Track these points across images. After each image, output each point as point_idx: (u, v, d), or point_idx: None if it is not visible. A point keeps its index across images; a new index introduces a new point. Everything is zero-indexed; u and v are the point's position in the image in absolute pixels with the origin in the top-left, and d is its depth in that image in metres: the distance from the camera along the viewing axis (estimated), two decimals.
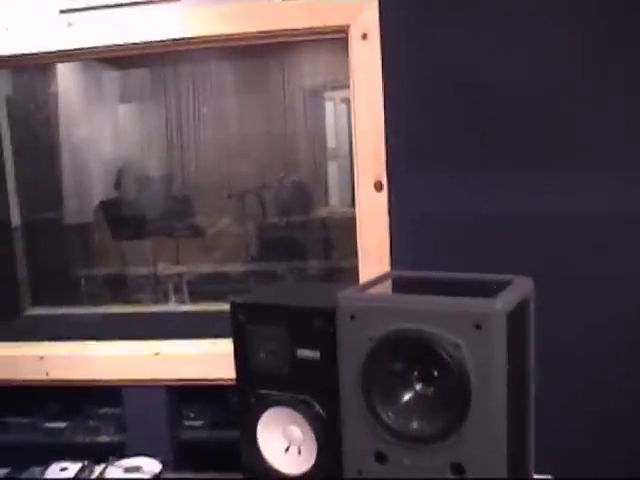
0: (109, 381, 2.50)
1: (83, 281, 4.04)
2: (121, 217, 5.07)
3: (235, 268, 4.61)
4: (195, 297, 4.21)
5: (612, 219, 2.15)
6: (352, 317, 1.44)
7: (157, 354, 2.47)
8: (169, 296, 4.22)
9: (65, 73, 4.62)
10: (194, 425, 2.60)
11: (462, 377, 1.34)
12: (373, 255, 2.27)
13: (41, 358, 2.53)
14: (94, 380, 2.51)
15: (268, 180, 5.37)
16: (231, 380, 1.82)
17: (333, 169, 6.12)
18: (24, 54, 2.41)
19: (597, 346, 2.19)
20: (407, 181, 2.24)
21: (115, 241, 4.95)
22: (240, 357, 1.73)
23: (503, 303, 1.35)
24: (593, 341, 2.18)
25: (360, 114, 2.23)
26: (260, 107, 5.58)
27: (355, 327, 1.44)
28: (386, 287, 1.65)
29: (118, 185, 5.25)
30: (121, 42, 2.35)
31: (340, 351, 1.49)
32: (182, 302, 4.14)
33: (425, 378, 1.44)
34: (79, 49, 2.39)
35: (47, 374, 2.53)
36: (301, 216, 5.28)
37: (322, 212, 5.54)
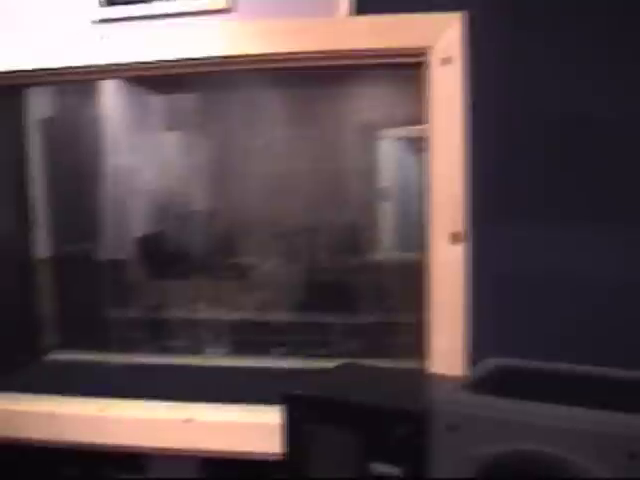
0: (130, 447, 2.19)
1: (113, 323, 3.74)
2: (159, 254, 4.76)
3: (280, 317, 4.28)
4: (236, 346, 3.89)
5: None
6: (451, 428, 1.07)
7: (189, 420, 2.14)
8: (207, 345, 3.90)
9: (107, 96, 4.36)
10: None
11: None
12: (445, 318, 1.92)
13: (54, 416, 2.23)
14: (113, 445, 2.20)
15: (317, 220, 5.06)
16: (274, 455, 1.54)
17: (386, 210, 5.81)
18: (49, 69, 2.13)
19: None
20: (490, 233, 1.90)
21: (151, 280, 4.65)
22: (293, 466, 1.35)
23: None
24: None
25: (438, 153, 1.91)
26: (311, 141, 5.29)
27: (455, 442, 1.07)
28: (492, 385, 1.27)
29: (158, 220, 4.96)
30: (160, 58, 2.05)
31: (431, 472, 1.10)
32: (221, 352, 3.82)
33: None
34: (112, 65, 2.10)
35: (60, 435, 2.21)
36: (352, 260, 4.94)
37: (375, 256, 5.21)
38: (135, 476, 2.34)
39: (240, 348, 3.80)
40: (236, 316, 4.19)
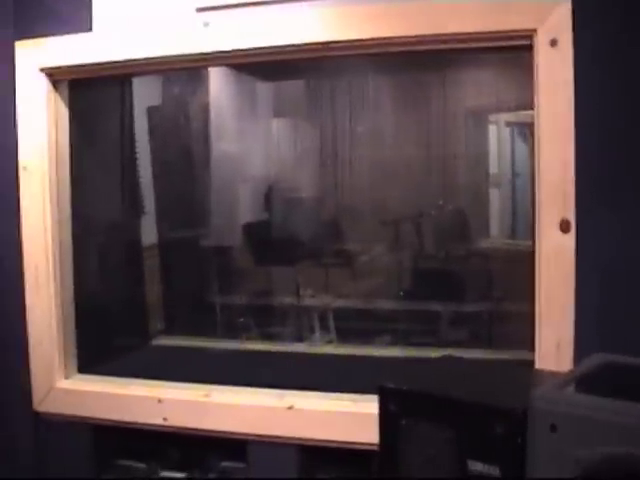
0: (233, 433, 2.20)
1: (219, 309, 3.76)
2: (266, 240, 4.77)
3: (386, 305, 4.22)
4: (340, 334, 3.87)
5: None
6: (553, 427, 1.02)
7: (290, 408, 2.13)
8: (313, 332, 3.89)
9: (214, 84, 4.38)
10: None
11: None
12: (554, 308, 1.86)
13: (159, 401, 2.27)
14: (216, 431, 2.20)
15: (425, 207, 4.98)
16: (374, 445, 1.48)
17: (495, 197, 5.72)
18: (156, 58, 2.13)
19: None
20: (600, 221, 1.81)
21: (257, 267, 4.66)
22: (388, 460, 1.33)
23: None
24: None
25: (546, 140, 1.83)
26: (418, 127, 5.22)
27: (556, 442, 1.02)
28: (597, 383, 1.21)
29: (266, 206, 4.96)
30: (262, 45, 2.04)
31: (531, 471, 1.05)
32: (327, 339, 3.81)
33: None
34: (216, 52, 2.08)
35: (165, 420, 2.26)
36: (460, 247, 4.85)
37: (483, 244, 5.11)
38: (236, 463, 2.33)
39: (344, 336, 3.79)
40: (341, 303, 4.16)
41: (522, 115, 5.32)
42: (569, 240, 1.83)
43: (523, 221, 5.45)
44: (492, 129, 5.81)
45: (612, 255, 1.82)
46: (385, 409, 1.30)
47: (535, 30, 1.82)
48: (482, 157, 5.59)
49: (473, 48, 1.98)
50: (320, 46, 2.01)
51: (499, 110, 5.51)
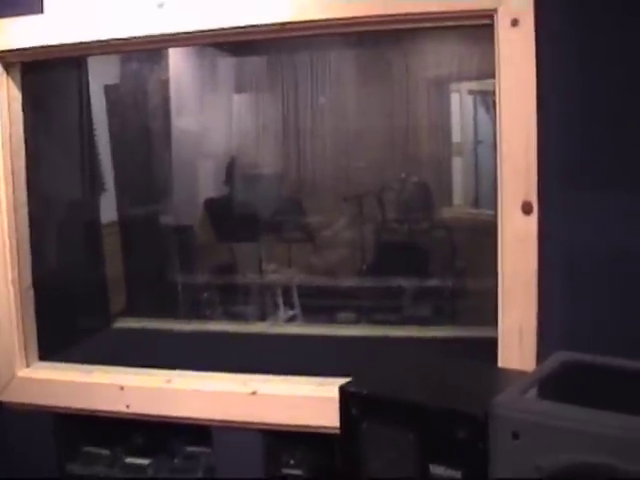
0: (196, 419, 2.17)
1: (180, 287, 3.73)
2: (228, 216, 4.72)
3: (349, 281, 4.21)
4: (306, 310, 3.85)
5: None
6: (515, 434, 1.01)
7: (254, 393, 2.11)
8: (277, 309, 3.86)
9: (175, 59, 4.31)
10: (293, 474, 2.23)
11: None
12: (517, 291, 1.85)
13: (122, 388, 2.25)
14: (179, 417, 2.19)
15: (388, 180, 4.96)
16: (337, 429, 1.47)
17: (458, 166, 5.72)
18: (107, 40, 2.08)
19: None
20: (562, 203, 1.80)
21: (219, 243, 4.62)
22: (348, 463, 1.30)
23: None
24: None
25: (508, 121, 1.81)
26: (380, 98, 5.19)
27: (518, 449, 1.01)
28: (560, 385, 1.19)
29: (227, 181, 4.91)
30: (219, 26, 1.98)
31: (493, 477, 1.04)
32: (291, 314, 3.79)
33: None
34: (171, 34, 2.04)
35: (128, 407, 2.23)
36: (423, 220, 4.83)
37: (447, 214, 5.10)
38: (201, 448, 2.32)
39: (308, 312, 3.78)
40: (305, 280, 4.14)
41: (484, 83, 5.31)
42: (531, 222, 1.81)
43: (487, 189, 5.46)
44: (454, 98, 5.79)
45: (576, 237, 1.81)
46: (346, 412, 1.28)
47: (496, 10, 1.80)
48: (445, 126, 5.58)
49: (433, 27, 1.96)
50: (279, 27, 1.97)
51: (461, 79, 5.50)
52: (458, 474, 1.14)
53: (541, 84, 1.77)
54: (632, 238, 1.79)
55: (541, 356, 1.80)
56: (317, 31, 2.00)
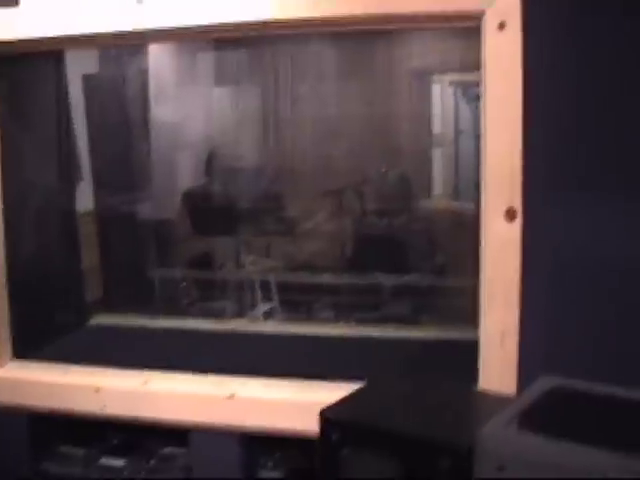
0: (173, 422, 2.14)
1: (158, 280, 3.69)
2: (207, 208, 4.67)
3: (328, 277, 4.17)
4: (284, 305, 3.82)
5: None
6: (500, 468, 0.98)
7: (232, 396, 2.09)
8: (255, 305, 3.83)
9: (155, 49, 4.26)
10: (272, 477, 2.21)
11: None
12: (499, 299, 1.83)
13: (97, 390, 2.21)
14: (155, 420, 2.16)
15: (368, 173, 4.94)
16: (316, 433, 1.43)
17: (438, 157, 5.73)
18: (85, 35, 2.03)
19: None
20: (548, 210, 1.78)
21: (197, 235, 4.57)
22: None
23: None
24: None
25: (493, 127, 1.78)
26: (362, 91, 5.17)
27: None
28: (545, 417, 1.16)
29: (206, 173, 4.86)
30: (200, 23, 1.94)
31: None
32: (269, 308, 3.77)
33: None
34: (150, 30, 1.99)
35: (103, 408, 2.19)
36: (403, 215, 4.80)
37: (428, 205, 5.09)
38: (178, 449, 2.29)
39: (287, 308, 3.74)
40: (283, 275, 4.10)
41: (465, 74, 5.30)
42: (515, 229, 1.79)
43: (466, 181, 5.46)
44: (435, 88, 5.79)
45: (561, 245, 1.79)
46: (326, 438, 1.25)
47: (483, 12, 1.77)
48: (426, 117, 5.57)
49: (420, 27, 1.93)
50: (262, 25, 1.93)
51: (443, 71, 5.49)
52: None
53: (528, 88, 1.75)
54: (617, 245, 1.77)
55: (523, 364, 1.80)
56: (300, 30, 1.96)
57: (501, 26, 1.75)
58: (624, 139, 1.77)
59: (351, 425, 1.23)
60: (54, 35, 2.08)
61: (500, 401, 1.31)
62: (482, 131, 1.81)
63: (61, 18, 2.07)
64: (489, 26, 1.76)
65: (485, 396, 1.52)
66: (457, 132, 5.84)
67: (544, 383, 1.25)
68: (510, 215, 1.79)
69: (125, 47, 3.45)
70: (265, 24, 1.93)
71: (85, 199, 3.43)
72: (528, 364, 1.80)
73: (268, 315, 3.76)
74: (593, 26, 1.75)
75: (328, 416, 1.25)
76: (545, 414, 1.16)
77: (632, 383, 1.26)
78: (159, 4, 1.98)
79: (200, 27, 1.96)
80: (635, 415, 1.14)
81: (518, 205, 1.78)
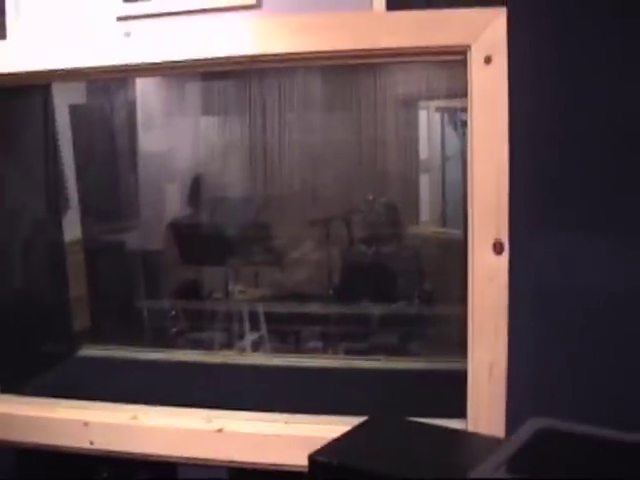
0: (162, 456, 2.12)
1: (146, 311, 3.68)
2: (194, 239, 4.65)
3: (316, 307, 4.15)
4: (273, 335, 3.81)
5: None
6: None
7: (220, 431, 2.07)
8: (243, 336, 3.81)
9: (143, 79, 4.26)
10: None
11: None
12: (487, 330, 1.83)
13: (85, 424, 2.19)
14: (144, 454, 2.13)
15: (355, 202, 4.93)
16: (305, 467, 1.43)
17: (425, 183, 5.72)
18: (72, 68, 2.03)
19: None
20: (535, 243, 1.78)
21: (185, 266, 4.55)
22: None
23: None
24: None
25: (479, 160, 1.78)
26: (349, 118, 5.17)
27: None
28: (535, 460, 1.15)
29: (193, 204, 4.85)
30: (187, 57, 1.95)
31: None
32: (257, 337, 3.75)
33: None
34: (138, 64, 1.99)
35: (92, 443, 2.18)
36: (391, 243, 4.79)
37: (415, 232, 5.08)
38: None
39: (273, 337, 3.73)
40: (271, 305, 4.09)
41: (452, 101, 5.31)
42: (502, 262, 1.79)
43: (454, 206, 5.46)
44: (422, 115, 5.79)
45: (548, 277, 1.79)
46: None
47: (469, 46, 1.77)
48: (413, 144, 5.57)
49: (406, 62, 1.94)
50: (248, 59, 1.93)
51: (430, 97, 5.50)
52: None
53: (513, 122, 1.75)
54: (605, 276, 1.78)
55: (511, 394, 1.79)
56: (286, 64, 1.97)
57: (487, 60, 1.75)
58: (611, 174, 1.78)
59: (340, 469, 1.22)
60: (42, 69, 2.07)
61: (489, 443, 1.30)
62: (469, 164, 1.81)
63: (49, 52, 2.07)
64: (475, 60, 1.76)
65: (474, 438, 1.51)
66: (444, 158, 5.84)
67: (533, 425, 1.24)
68: (497, 248, 1.79)
69: (113, 80, 3.44)
70: (252, 59, 1.93)
71: (73, 228, 3.42)
72: (516, 395, 1.80)
73: (257, 345, 3.75)
74: (581, 61, 1.76)
75: (317, 459, 1.24)
76: (534, 457, 1.15)
77: (620, 412, 1.26)
78: (147, 38, 1.98)
79: (188, 61, 1.96)
80: (625, 457, 1.13)
81: (505, 238, 1.78)
